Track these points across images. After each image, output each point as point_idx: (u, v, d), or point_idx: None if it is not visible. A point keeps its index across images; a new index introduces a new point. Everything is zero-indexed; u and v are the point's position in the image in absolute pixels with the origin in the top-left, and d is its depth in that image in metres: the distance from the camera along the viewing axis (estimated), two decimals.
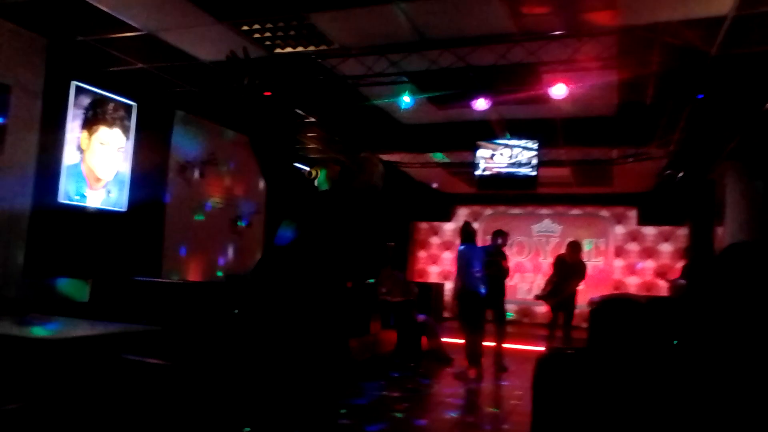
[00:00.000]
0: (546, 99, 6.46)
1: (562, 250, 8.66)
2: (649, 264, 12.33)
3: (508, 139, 8.41)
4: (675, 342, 1.60)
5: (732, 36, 4.82)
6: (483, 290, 6.85)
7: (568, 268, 7.72)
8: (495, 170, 8.55)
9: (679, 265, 8.98)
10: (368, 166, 2.92)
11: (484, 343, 6.97)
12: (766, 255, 1.51)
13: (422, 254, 14.23)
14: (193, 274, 7.74)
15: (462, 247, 7.13)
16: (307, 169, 3.14)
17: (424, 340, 8.08)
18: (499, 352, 7.37)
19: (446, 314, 12.16)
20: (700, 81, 5.77)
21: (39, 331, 3.40)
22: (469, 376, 6.73)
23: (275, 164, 2.65)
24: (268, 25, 5.19)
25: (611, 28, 5.02)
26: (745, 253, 1.56)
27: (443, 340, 8.12)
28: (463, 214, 13.76)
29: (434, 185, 12.83)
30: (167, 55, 5.83)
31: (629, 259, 12.64)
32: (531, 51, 5.50)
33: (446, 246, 13.93)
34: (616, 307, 1.74)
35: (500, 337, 7.39)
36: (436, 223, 14.14)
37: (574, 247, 7.97)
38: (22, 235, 5.43)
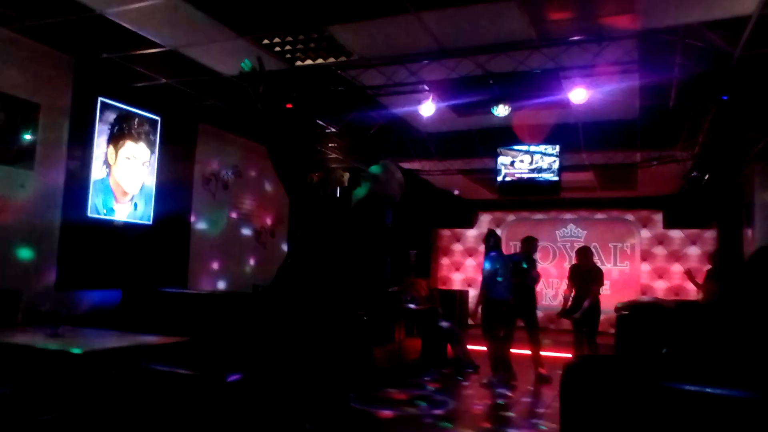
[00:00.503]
0: (566, 104, 6.43)
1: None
2: (677, 267, 12.12)
3: (529, 145, 8.37)
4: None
5: (757, 36, 4.75)
6: (510, 299, 6.78)
7: (584, 277, 7.36)
8: (516, 176, 8.50)
9: (705, 268, 8.77)
10: (384, 174, 2.80)
11: (517, 351, 6.85)
12: None
13: (445, 261, 14.18)
14: (219, 285, 7.84)
15: (487, 255, 7.07)
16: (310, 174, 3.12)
17: (448, 347, 8.06)
18: (538, 362, 7.22)
19: (470, 321, 12.09)
20: (724, 82, 5.68)
21: (70, 345, 3.47)
22: (495, 384, 6.68)
23: (293, 173, 2.69)
24: (289, 39, 5.26)
25: (632, 32, 4.98)
26: None
27: (468, 347, 8.07)
28: (485, 220, 13.70)
29: (456, 192, 12.79)
30: (190, 70, 5.94)
31: (656, 263, 12.46)
32: (551, 57, 5.49)
33: (469, 252, 13.86)
34: (644, 312, 1.72)
35: (536, 346, 7.23)
36: (458, 230, 14.09)
37: (584, 253, 7.55)
38: (54, 249, 5.56)
